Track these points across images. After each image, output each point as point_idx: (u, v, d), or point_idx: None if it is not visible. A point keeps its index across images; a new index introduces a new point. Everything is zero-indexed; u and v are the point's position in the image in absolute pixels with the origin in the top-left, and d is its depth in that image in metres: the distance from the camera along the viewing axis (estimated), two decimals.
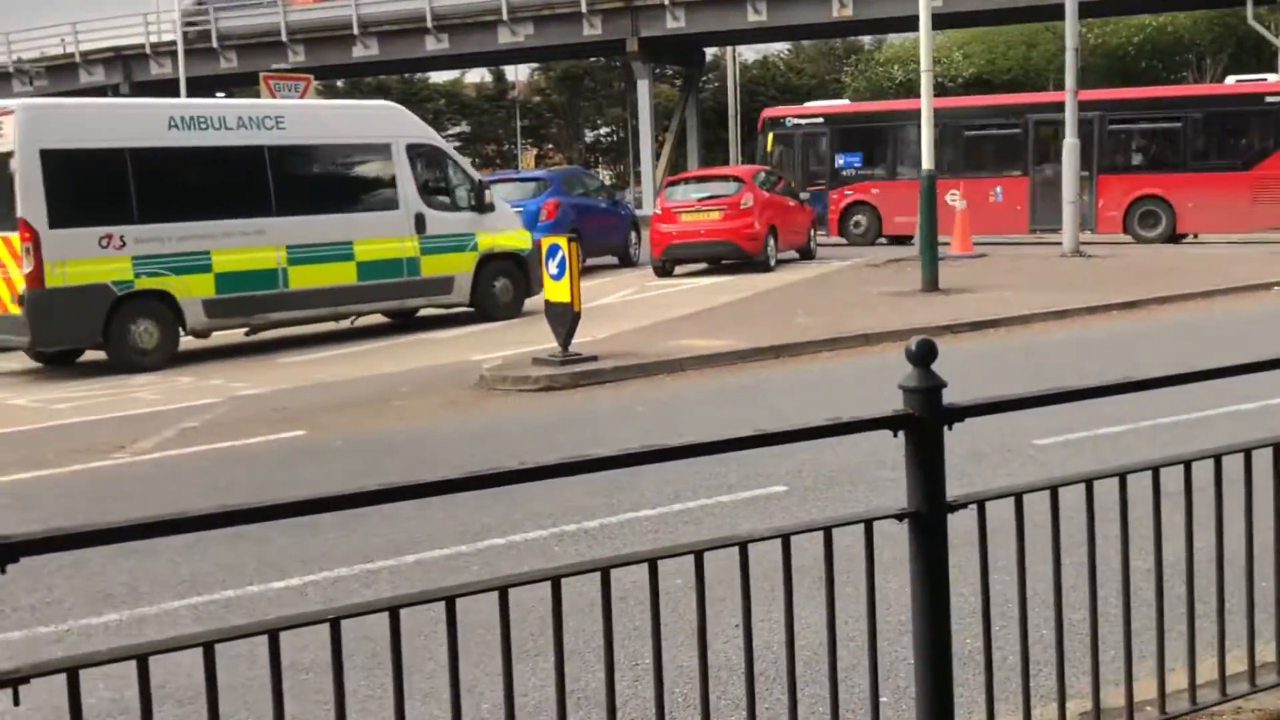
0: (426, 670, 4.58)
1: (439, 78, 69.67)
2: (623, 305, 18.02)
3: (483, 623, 3.56)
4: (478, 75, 72.68)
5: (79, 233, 13.35)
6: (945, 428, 3.18)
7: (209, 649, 2.43)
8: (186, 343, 14.80)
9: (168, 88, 44.19)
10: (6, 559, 2.17)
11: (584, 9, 44.28)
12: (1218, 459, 3.57)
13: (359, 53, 47.72)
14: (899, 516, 3.14)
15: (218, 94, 50.68)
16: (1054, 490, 3.36)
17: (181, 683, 4.07)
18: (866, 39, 62.99)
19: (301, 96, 22.59)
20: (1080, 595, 3.51)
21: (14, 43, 51.13)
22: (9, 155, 13.13)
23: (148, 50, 49.51)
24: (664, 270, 22.12)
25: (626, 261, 24.98)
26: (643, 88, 47.15)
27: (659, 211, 22.39)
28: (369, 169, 16.33)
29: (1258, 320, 13.88)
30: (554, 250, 11.36)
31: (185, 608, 5.71)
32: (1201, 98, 26.77)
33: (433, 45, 46.80)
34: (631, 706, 4.37)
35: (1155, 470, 3.50)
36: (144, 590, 6.02)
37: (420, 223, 16.11)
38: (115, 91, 51.30)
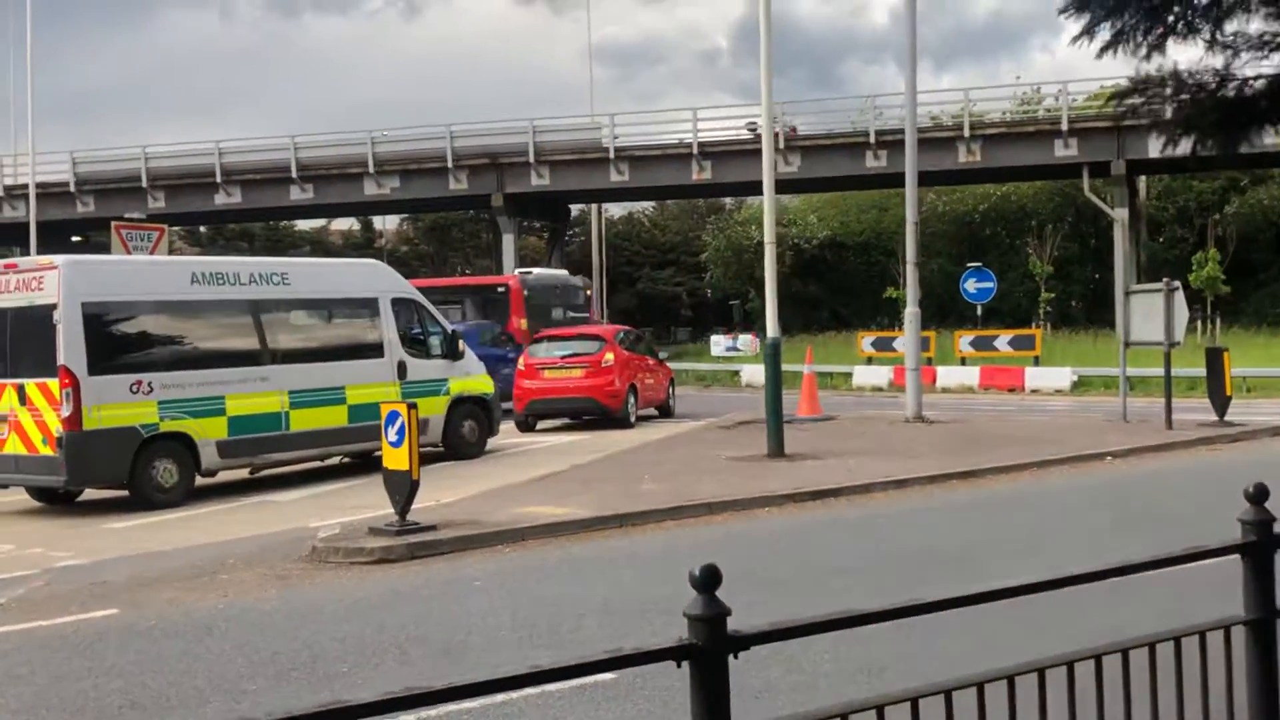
0: None
1: (305, 224, 69.53)
2: (477, 464, 17.83)
3: None
4: (346, 223, 72.77)
5: (113, 379, 14.30)
6: (731, 656, 3.11)
7: None
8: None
9: (20, 231, 43.17)
10: None
11: (450, 164, 44.83)
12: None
13: (221, 200, 47.42)
14: None
15: (73, 239, 49.74)
16: (845, 717, 3.30)
17: None
18: (727, 200, 64.88)
19: (154, 248, 22.19)
20: None
21: None
22: (50, 307, 14.05)
23: (1, 193, 48.47)
24: (526, 425, 22.36)
25: None
26: (507, 241, 47.62)
27: (523, 368, 22.65)
28: (359, 321, 17.62)
29: (1091, 491, 14.26)
30: (393, 417, 11.18)
31: None
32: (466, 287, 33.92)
33: (297, 194, 46.77)
34: None
35: (947, 694, 3.46)
36: None
37: (402, 369, 17.55)
38: None
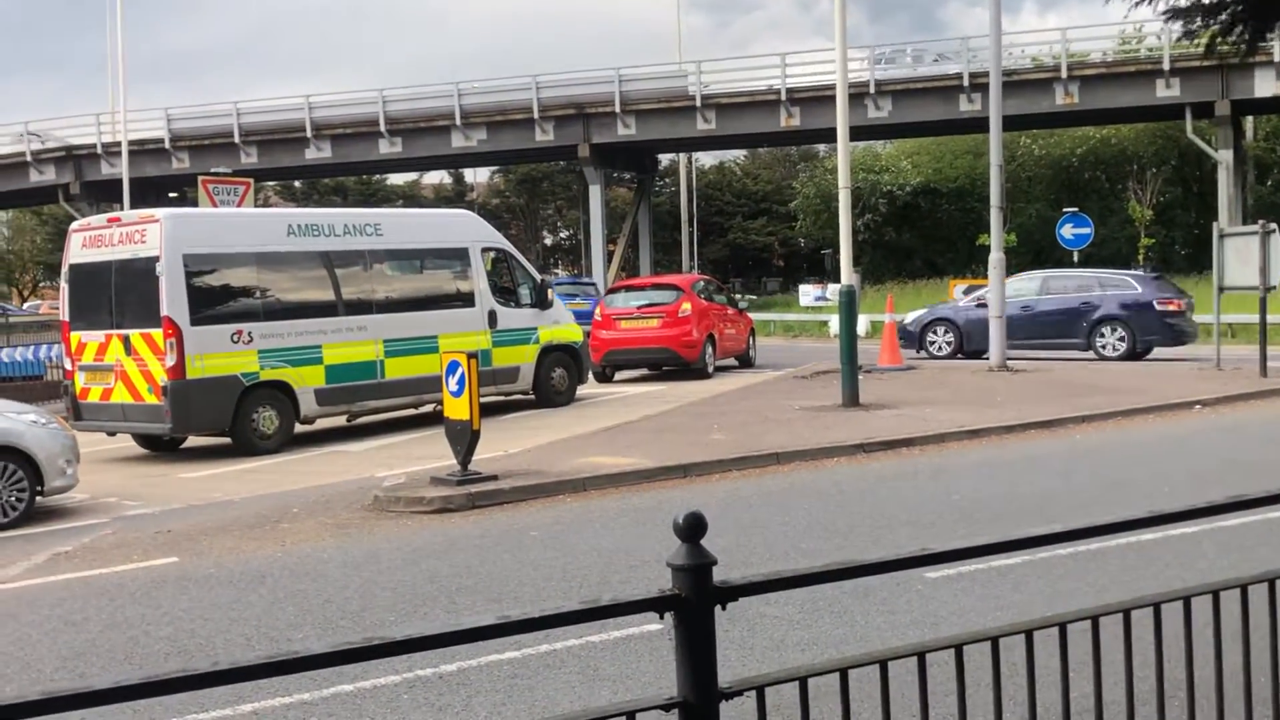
0: None
1: (397, 179, 70.09)
2: (550, 414, 17.82)
3: None
4: (436, 177, 73.23)
5: (215, 329, 14.67)
6: (719, 607, 2.94)
7: None
8: (93, 455, 14.49)
9: (117, 187, 44.12)
10: None
11: (536, 115, 44.73)
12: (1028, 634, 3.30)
13: (311, 155, 47.92)
14: (665, 707, 2.88)
15: (170, 195, 50.70)
16: (844, 673, 3.11)
17: None
18: (820, 147, 63.93)
19: (240, 202, 22.47)
20: None
21: None
22: (153, 259, 14.36)
23: (99, 150, 49.52)
24: (604, 376, 22.31)
25: None
26: (594, 192, 47.52)
27: (599, 318, 22.57)
28: (450, 271, 17.83)
29: (1176, 440, 13.77)
30: (453, 367, 11.13)
31: None
32: None
33: (386, 148, 47.07)
34: None
35: (958, 648, 3.26)
36: None
37: (493, 318, 17.79)
38: (65, 191, 51.25)
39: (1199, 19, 6.24)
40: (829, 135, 50.53)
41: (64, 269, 15.71)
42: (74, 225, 16.22)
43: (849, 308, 16.23)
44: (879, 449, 12.98)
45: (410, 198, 68.26)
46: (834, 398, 16.47)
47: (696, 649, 2.90)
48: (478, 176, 74.21)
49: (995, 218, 20.47)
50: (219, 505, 11.65)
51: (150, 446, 15.80)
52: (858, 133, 37.16)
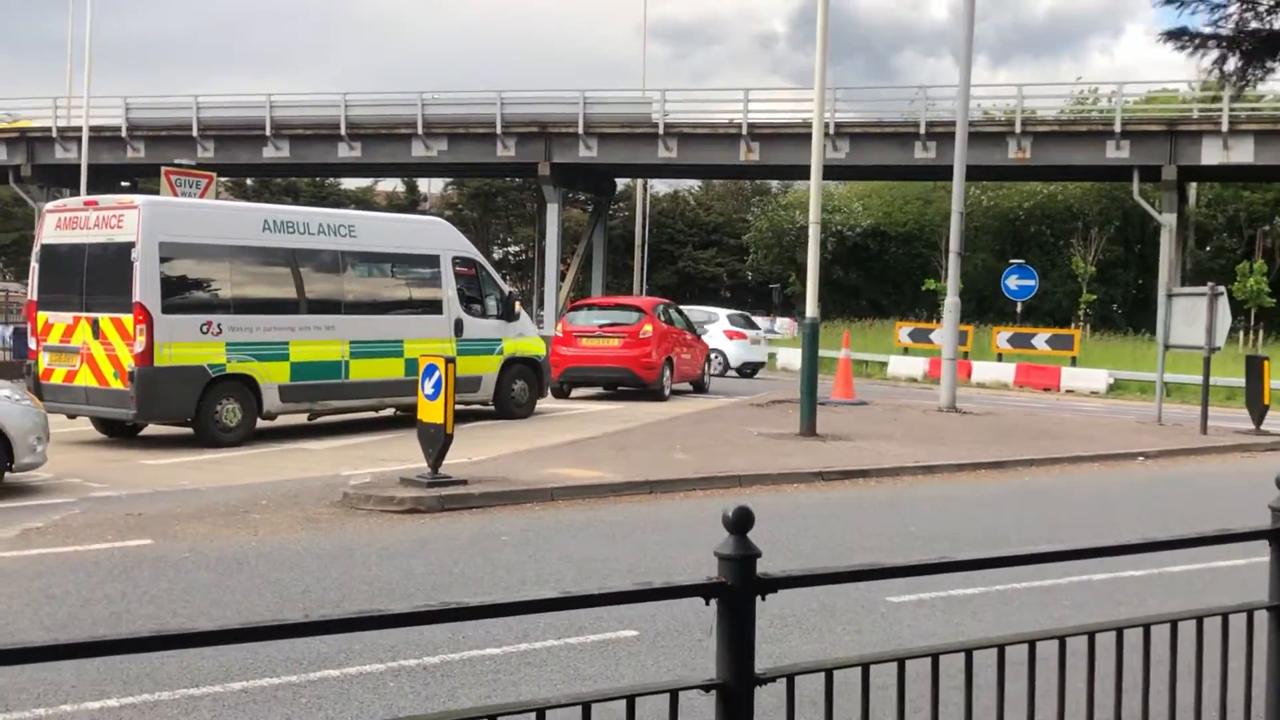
0: None
1: (350, 184, 69.81)
2: (510, 426, 17.95)
3: None
4: (390, 185, 73.01)
5: (185, 319, 14.71)
6: (759, 597, 3.15)
7: None
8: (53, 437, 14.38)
9: (69, 172, 43.61)
10: None
11: (499, 130, 44.88)
12: (1032, 645, 3.57)
13: (269, 154, 47.67)
14: (705, 688, 3.08)
15: (122, 183, 50.17)
16: (865, 667, 3.33)
17: None
18: (774, 182, 64.65)
19: (202, 195, 22.40)
20: None
21: None
22: (129, 245, 14.39)
23: (54, 133, 48.94)
24: (561, 392, 22.50)
25: None
26: (552, 211, 47.67)
27: (560, 335, 22.78)
28: (420, 277, 17.93)
29: (1122, 488, 14.21)
30: (430, 370, 11.28)
31: None
32: None
33: (345, 152, 46.94)
34: None
35: (968, 653, 3.51)
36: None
37: (459, 327, 17.89)
38: (16, 173, 50.51)
39: (1193, 45, 6.65)
40: (786, 171, 51.42)
41: (35, 248, 15.65)
42: (49, 205, 16.18)
43: (812, 339, 16.58)
44: (837, 477, 13.30)
45: (363, 203, 68.00)
46: (791, 426, 16.79)
47: (738, 635, 3.12)
48: (432, 187, 74.20)
49: (953, 263, 20.96)
50: (186, 492, 11.68)
51: (108, 432, 15.75)
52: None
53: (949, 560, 3.81)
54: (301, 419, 16.75)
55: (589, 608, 3.28)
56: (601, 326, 22.63)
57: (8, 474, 11.20)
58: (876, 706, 3.26)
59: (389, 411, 17.89)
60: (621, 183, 58.73)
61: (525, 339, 19.23)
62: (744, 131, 43.30)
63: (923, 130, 40.88)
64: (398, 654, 6.64)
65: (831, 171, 47.59)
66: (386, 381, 16.68)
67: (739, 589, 3.11)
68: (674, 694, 3.06)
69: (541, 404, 20.22)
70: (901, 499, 12.60)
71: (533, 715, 2.88)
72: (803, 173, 47.32)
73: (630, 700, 3.00)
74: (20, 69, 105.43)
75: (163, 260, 14.57)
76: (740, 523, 3.16)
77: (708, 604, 3.09)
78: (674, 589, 3.25)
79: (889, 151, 42.47)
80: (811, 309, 17.08)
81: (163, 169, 23.19)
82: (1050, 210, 53.78)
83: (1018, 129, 40.48)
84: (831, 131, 42.01)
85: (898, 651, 3.47)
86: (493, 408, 18.63)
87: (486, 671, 6.51)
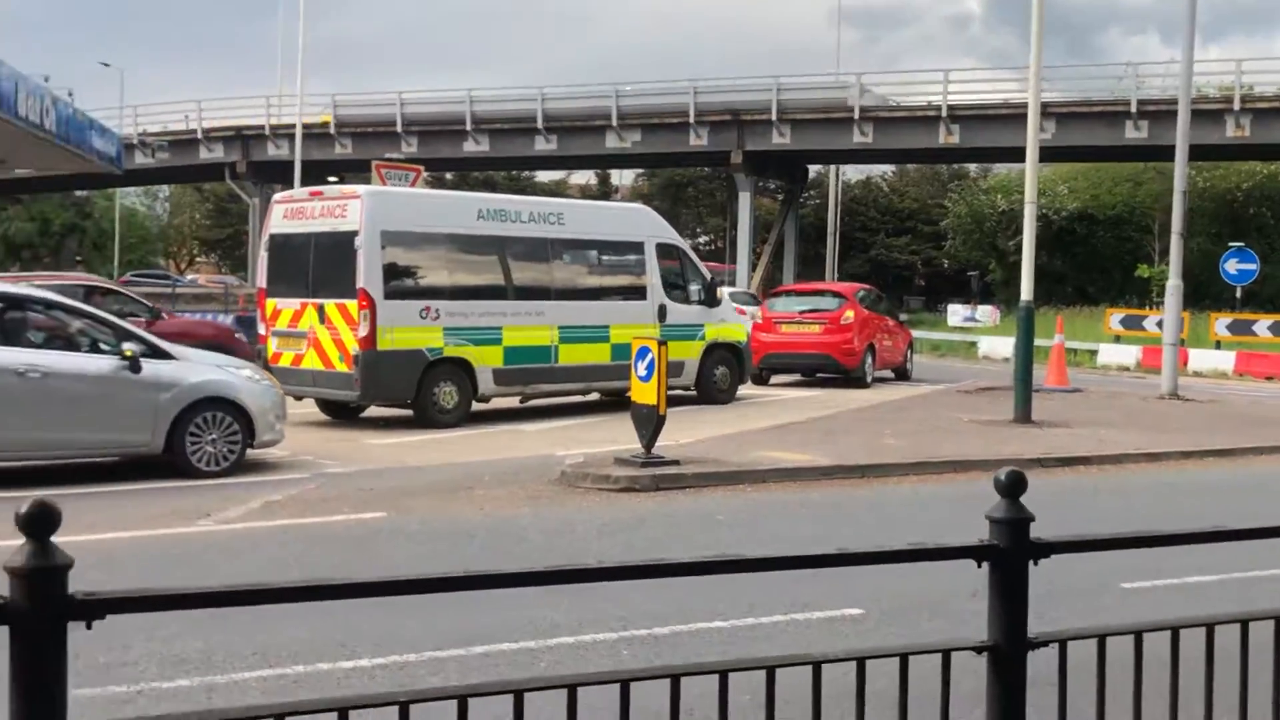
0: None
1: (544, 177, 71.14)
2: (714, 410, 18.02)
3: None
4: (583, 177, 74.14)
5: (405, 304, 15.29)
6: (1031, 562, 3.11)
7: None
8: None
9: (281, 168, 45.63)
10: (92, 615, 2.21)
11: (692, 119, 45.03)
12: None
13: (469, 148, 48.92)
14: (978, 649, 3.06)
15: (329, 179, 52.25)
16: (1138, 635, 3.25)
17: None
18: (972, 166, 63.09)
19: (412, 186, 23.15)
20: None
21: (141, 116, 53.30)
22: (352, 233, 14.98)
23: (266, 131, 51.27)
24: (760, 378, 22.41)
25: None
26: (744, 199, 47.64)
27: (760, 321, 22.72)
28: (625, 263, 18.32)
29: None
30: (644, 352, 11.43)
31: (255, 679, 5.74)
32: None
33: (541, 145, 47.84)
34: None
35: (1244, 624, 3.39)
36: (217, 659, 6.07)
37: (662, 312, 18.07)
38: (232, 170, 53.13)
39: None
40: (988, 154, 50.15)
41: (264, 238, 16.46)
42: (277, 196, 16.98)
43: (1027, 324, 16.17)
44: (1056, 465, 12.94)
45: (558, 196, 69.25)
46: (1002, 413, 16.41)
47: (1011, 598, 3.08)
48: (623, 179, 74.97)
49: (1175, 244, 20.16)
50: (411, 470, 12.13)
51: (332, 414, 16.43)
52: (1019, 153, 36.75)
53: (1226, 530, 3.69)
54: (513, 402, 17.17)
55: (864, 564, 3.29)
56: (802, 313, 22.52)
57: (249, 450, 11.81)
58: (1148, 678, 3.18)
59: (594, 396, 18.18)
60: (813, 170, 58.28)
61: (727, 325, 19.29)
62: (943, 114, 42.42)
63: (1134, 109, 39.35)
64: (628, 624, 6.75)
65: (1039, 153, 46.23)
66: (594, 366, 17.01)
67: (1012, 552, 3.07)
68: (946, 654, 3.05)
69: (742, 390, 20.25)
70: (1127, 486, 12.18)
71: (809, 668, 2.91)
72: (1004, 155, 46.18)
73: (904, 658, 3.00)
74: (232, 74, 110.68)
75: (384, 247, 15.12)
76: (1013, 486, 3.12)
77: (980, 567, 3.05)
78: (947, 550, 3.24)
79: (1097, 131, 40.97)
80: (1026, 293, 16.66)
81: (373, 163, 24.06)
82: (1271, 191, 51.00)
83: (1236, 106, 38.62)
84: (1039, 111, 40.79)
85: (1170, 620, 3.37)
86: (695, 393, 18.72)
87: (716, 642, 6.57)
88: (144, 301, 21.27)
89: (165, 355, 11.48)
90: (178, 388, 11.32)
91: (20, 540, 2.13)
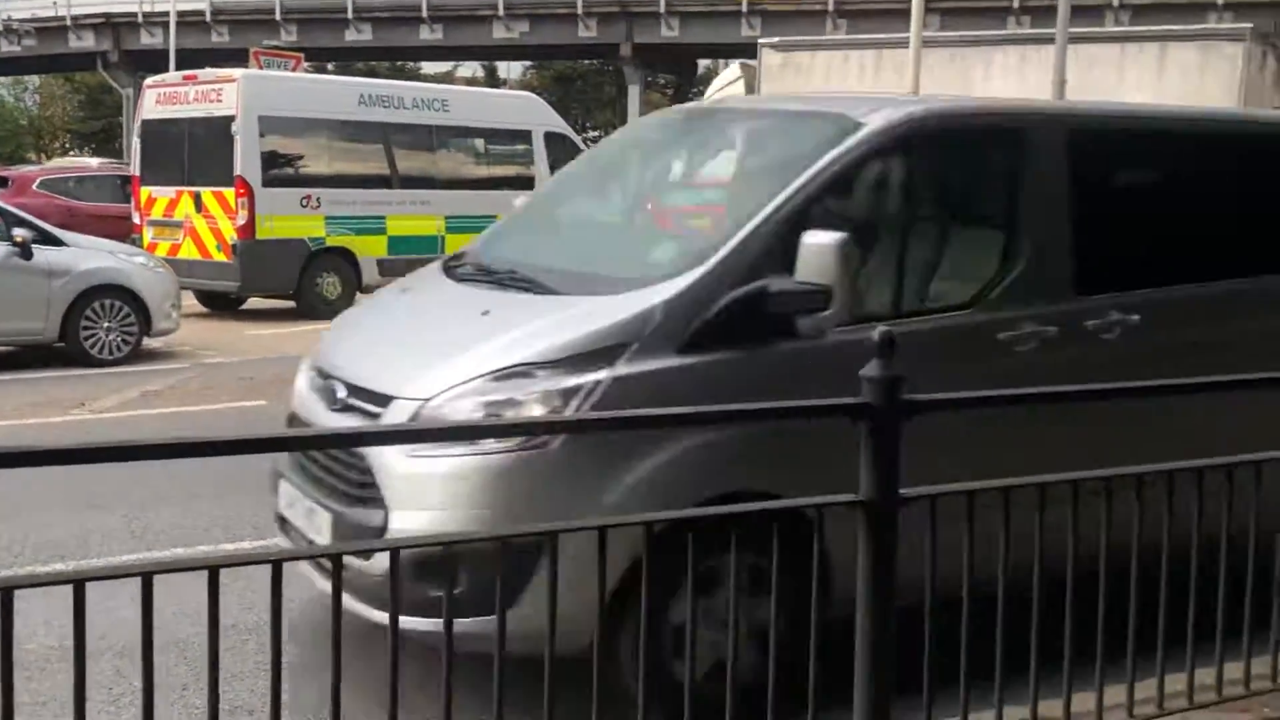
0: None
1: (431, 68, 69.64)
2: None
3: None
4: (469, 70, 72.72)
5: (285, 192, 14.96)
6: (904, 419, 3.16)
7: (147, 580, 2.40)
8: None
9: (155, 58, 43.94)
10: None
11: (580, 10, 44.32)
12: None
13: (351, 37, 47.59)
14: (850, 504, 3.12)
15: (206, 68, 50.34)
16: (1006, 491, 3.35)
17: (122, 635, 3.95)
18: None
19: (292, 72, 22.53)
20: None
21: (6, 1, 50.77)
22: (229, 118, 14.59)
23: (139, 19, 49.24)
24: None
25: None
26: (633, 93, 47.25)
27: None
28: (514, 152, 17.91)
29: None
30: None
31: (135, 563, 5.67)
32: None
33: (426, 35, 46.72)
34: None
35: (1107, 482, 3.51)
36: (94, 543, 5.99)
37: None
38: (104, 59, 51.03)
39: None
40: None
41: (135, 124, 15.88)
42: (149, 81, 16.39)
43: None
44: None
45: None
46: None
47: (883, 455, 3.14)
48: (511, 72, 73.73)
49: None
50: (293, 359, 11.77)
51: (211, 305, 16.11)
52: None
53: (1093, 388, 3.81)
54: None
55: (730, 421, 3.33)
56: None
57: (146, 339, 11.63)
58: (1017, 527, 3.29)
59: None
60: (702, 65, 57.98)
61: None
62: (830, 8, 42.32)
63: (1015, 3, 39.51)
64: None
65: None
66: None
67: (885, 410, 3.12)
68: (819, 509, 3.12)
69: None
70: None
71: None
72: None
73: (774, 515, 3.07)
74: None
75: (262, 134, 14.78)
76: (885, 346, 3.15)
77: (853, 424, 3.10)
78: (823, 407, 3.32)
79: (983, 26, 41.13)
80: None
81: (251, 50, 23.38)
82: None
83: (1115, 2, 39.04)
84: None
85: (1039, 478, 3.46)
86: None
87: None
88: None
89: (57, 242, 11.23)
90: (70, 275, 11.10)
91: None
